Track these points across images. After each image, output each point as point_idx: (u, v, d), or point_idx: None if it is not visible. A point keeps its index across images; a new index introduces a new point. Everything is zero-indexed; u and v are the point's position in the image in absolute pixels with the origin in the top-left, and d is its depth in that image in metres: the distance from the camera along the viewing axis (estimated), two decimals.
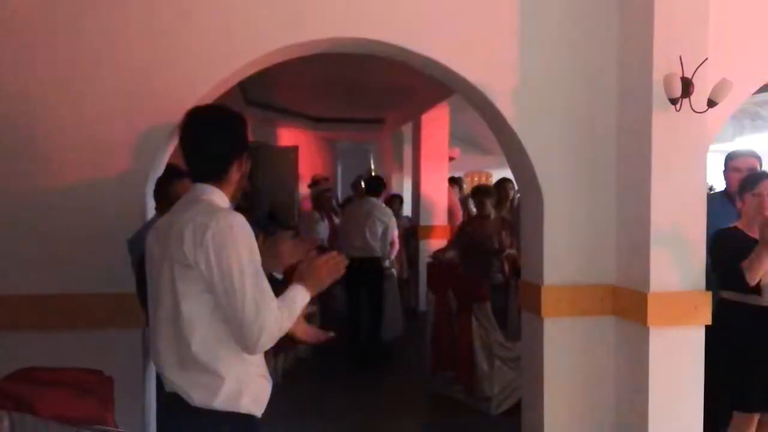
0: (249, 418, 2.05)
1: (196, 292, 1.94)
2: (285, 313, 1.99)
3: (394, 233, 6.92)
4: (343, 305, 7.09)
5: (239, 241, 1.93)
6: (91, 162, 3.05)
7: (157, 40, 3.10)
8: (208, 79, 3.15)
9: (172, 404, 2.03)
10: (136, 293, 2.81)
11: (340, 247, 6.79)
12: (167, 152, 3.29)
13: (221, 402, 1.98)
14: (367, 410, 5.24)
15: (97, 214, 3.03)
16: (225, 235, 1.92)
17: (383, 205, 6.97)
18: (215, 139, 2.08)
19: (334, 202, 9.46)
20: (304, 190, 10.62)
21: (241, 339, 1.94)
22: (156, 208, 3.13)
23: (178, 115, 3.05)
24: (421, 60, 3.45)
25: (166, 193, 2.97)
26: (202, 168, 2.10)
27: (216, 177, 2.09)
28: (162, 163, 3.28)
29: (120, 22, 3.07)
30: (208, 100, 3.29)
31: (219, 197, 2.08)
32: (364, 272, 6.50)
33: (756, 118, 7.59)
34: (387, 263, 7.02)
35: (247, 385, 2.02)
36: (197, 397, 1.98)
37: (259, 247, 2.04)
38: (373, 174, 10.58)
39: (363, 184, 7.40)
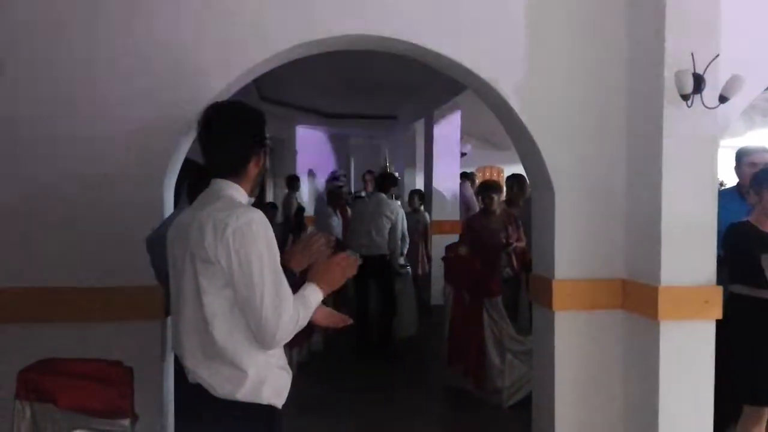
0: (271, 409, 2.10)
1: (217, 288, 1.99)
2: (301, 310, 2.04)
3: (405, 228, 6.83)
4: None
5: (259, 237, 1.97)
6: (110, 157, 3.10)
7: (174, 36, 3.14)
8: (224, 75, 3.20)
9: (195, 396, 2.07)
10: (164, 289, 2.84)
11: (349, 243, 6.82)
12: (185, 148, 3.34)
13: (244, 393, 2.03)
14: (380, 402, 5.30)
15: (116, 208, 3.08)
16: (245, 231, 1.95)
17: (392, 201, 6.86)
18: (234, 135, 2.12)
19: (349, 197, 9.51)
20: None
21: (259, 334, 1.99)
22: (177, 205, 3.18)
23: (195, 111, 3.11)
24: (432, 56, 3.48)
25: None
26: (222, 163, 2.14)
27: (235, 172, 2.13)
28: (179, 159, 3.33)
29: (138, 18, 3.12)
30: (224, 97, 3.34)
31: (238, 193, 2.13)
32: (371, 270, 6.38)
33: (767, 114, 7.57)
34: (402, 261, 6.86)
35: (267, 377, 2.07)
36: (220, 388, 2.03)
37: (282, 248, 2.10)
38: (387, 170, 10.55)
39: (373, 180, 7.48)
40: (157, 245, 2.77)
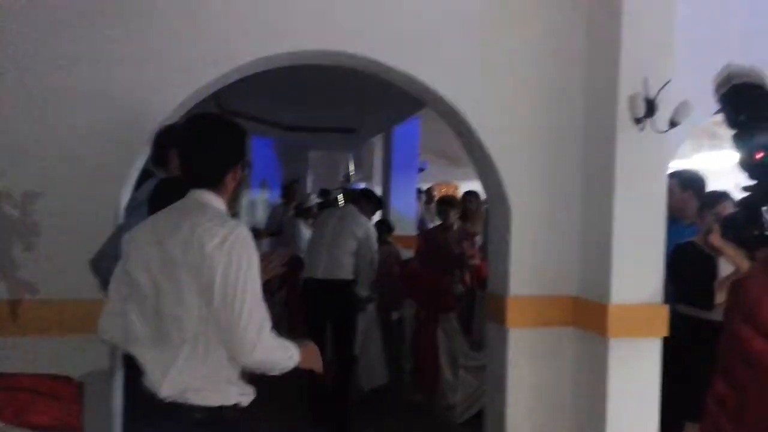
0: (237, 409, 2.09)
1: (198, 299, 1.96)
2: (277, 342, 2.02)
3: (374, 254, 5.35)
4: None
5: (250, 252, 1.97)
6: (65, 169, 3.04)
7: (134, 49, 3.11)
8: (183, 89, 3.18)
9: (171, 412, 2.02)
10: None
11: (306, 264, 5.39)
12: (141, 160, 3.29)
13: (218, 398, 2.02)
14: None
15: (68, 222, 3.02)
16: (235, 243, 1.94)
17: (362, 216, 5.40)
18: (214, 147, 2.10)
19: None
20: None
21: (237, 344, 1.94)
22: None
23: (153, 124, 3.09)
24: (394, 73, 3.51)
25: None
26: (201, 174, 2.11)
27: (213, 182, 2.11)
28: (135, 173, 3.27)
29: (98, 29, 3.08)
30: (184, 110, 3.33)
31: (219, 204, 2.10)
32: (330, 301, 5.08)
33: (713, 137, 7.86)
34: (364, 293, 5.32)
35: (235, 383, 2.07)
36: (211, 398, 2.01)
37: None
38: (351, 175, 10.38)
39: (340, 194, 6.71)
40: (105, 263, 2.68)
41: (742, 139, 2.34)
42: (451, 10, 3.46)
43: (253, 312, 1.95)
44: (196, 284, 1.94)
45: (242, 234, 1.98)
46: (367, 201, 5.56)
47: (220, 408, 2.03)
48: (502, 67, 3.52)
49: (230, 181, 2.14)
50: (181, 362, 1.98)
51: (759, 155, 2.29)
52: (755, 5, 3.82)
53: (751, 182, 2.48)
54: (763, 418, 0.93)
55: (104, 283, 2.76)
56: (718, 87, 2.55)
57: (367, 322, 5.67)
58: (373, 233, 5.41)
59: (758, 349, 0.89)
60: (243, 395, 2.08)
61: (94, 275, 2.81)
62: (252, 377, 2.11)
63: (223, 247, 1.93)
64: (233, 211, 2.26)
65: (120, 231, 2.77)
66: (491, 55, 3.51)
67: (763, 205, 2.48)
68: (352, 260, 5.14)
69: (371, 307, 5.71)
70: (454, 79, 3.48)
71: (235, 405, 2.06)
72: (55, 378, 2.58)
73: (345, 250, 5.11)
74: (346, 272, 5.12)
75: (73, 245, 2.98)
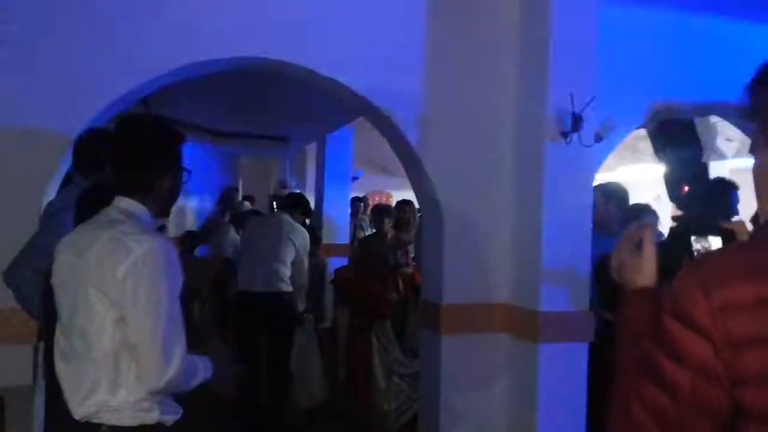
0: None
1: (109, 317, 1.86)
2: (189, 363, 1.93)
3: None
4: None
5: (163, 268, 1.87)
6: None
7: (59, 48, 3.02)
8: (110, 92, 3.10)
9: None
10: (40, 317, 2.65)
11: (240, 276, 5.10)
12: (62, 167, 3.18)
13: (151, 417, 1.91)
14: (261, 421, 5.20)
15: None
16: (146, 261, 1.84)
17: (297, 224, 5.16)
18: (141, 151, 2.01)
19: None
20: None
21: (146, 375, 1.86)
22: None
23: (79, 126, 3.00)
24: (327, 83, 3.52)
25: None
26: (127, 180, 2.01)
27: (140, 189, 2.00)
28: (57, 180, 3.16)
29: (21, 25, 2.97)
30: (110, 114, 3.24)
31: (142, 213, 1.99)
32: (270, 315, 4.81)
33: (635, 151, 8.25)
34: (302, 305, 5.10)
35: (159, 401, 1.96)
36: (130, 418, 1.89)
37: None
38: (285, 186, 10.31)
39: (274, 200, 6.49)
40: (19, 273, 2.57)
41: (670, 173, 2.46)
42: (388, 22, 3.50)
43: (165, 342, 1.85)
44: (106, 302, 1.85)
45: (158, 250, 1.86)
46: (297, 206, 5.32)
47: (141, 428, 1.90)
48: (437, 80, 3.58)
49: (160, 189, 2.02)
50: (94, 379, 1.87)
51: (686, 188, 2.41)
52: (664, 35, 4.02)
53: (680, 212, 2.61)
54: (690, 417, 0.96)
55: (20, 295, 2.65)
56: (647, 123, 2.68)
57: (304, 336, 5.29)
58: (308, 242, 5.23)
59: (691, 348, 0.91)
60: (167, 414, 1.96)
61: (8, 287, 2.66)
62: (179, 394, 2.00)
63: (136, 269, 1.82)
64: (161, 222, 2.17)
65: (36, 240, 2.65)
66: (427, 67, 3.56)
67: (692, 235, 2.60)
68: (290, 270, 4.92)
69: (309, 321, 5.38)
70: (392, 92, 3.51)
71: (158, 424, 1.93)
72: None
73: (284, 260, 4.88)
74: (286, 284, 4.89)
75: None
